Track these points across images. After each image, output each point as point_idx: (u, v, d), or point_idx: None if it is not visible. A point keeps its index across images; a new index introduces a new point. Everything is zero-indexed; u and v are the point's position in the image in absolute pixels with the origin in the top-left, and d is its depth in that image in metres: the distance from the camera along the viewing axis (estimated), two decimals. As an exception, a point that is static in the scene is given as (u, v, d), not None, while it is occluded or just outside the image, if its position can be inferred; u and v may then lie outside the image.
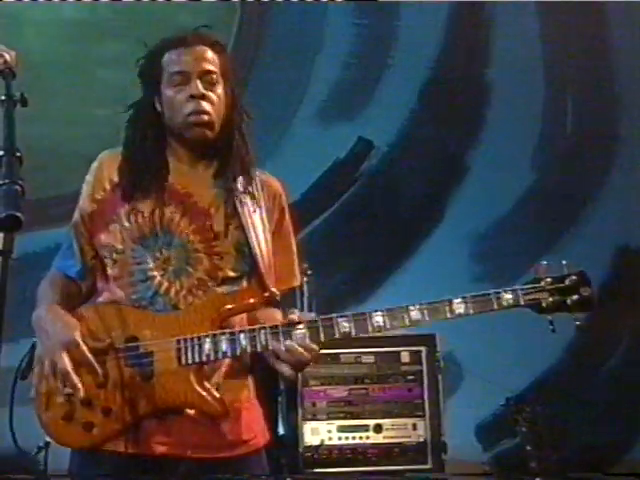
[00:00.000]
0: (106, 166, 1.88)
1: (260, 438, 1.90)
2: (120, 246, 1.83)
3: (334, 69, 4.65)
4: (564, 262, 1.78)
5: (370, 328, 1.74)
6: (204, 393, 1.73)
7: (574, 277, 1.75)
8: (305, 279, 3.57)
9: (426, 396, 3.22)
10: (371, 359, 3.24)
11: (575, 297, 1.73)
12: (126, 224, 1.83)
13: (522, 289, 1.74)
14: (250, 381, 1.91)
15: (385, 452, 3.15)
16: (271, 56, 4.54)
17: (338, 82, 4.65)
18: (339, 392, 3.21)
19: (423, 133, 4.67)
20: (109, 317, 1.77)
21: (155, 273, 1.81)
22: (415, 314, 1.73)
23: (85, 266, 1.88)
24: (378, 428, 3.17)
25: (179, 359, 1.73)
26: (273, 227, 1.90)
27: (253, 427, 1.89)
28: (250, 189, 1.88)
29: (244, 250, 1.85)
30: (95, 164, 1.90)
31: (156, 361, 1.73)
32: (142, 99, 1.89)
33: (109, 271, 1.84)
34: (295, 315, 1.78)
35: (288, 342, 1.73)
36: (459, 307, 1.71)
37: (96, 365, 1.72)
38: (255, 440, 1.88)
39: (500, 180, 4.63)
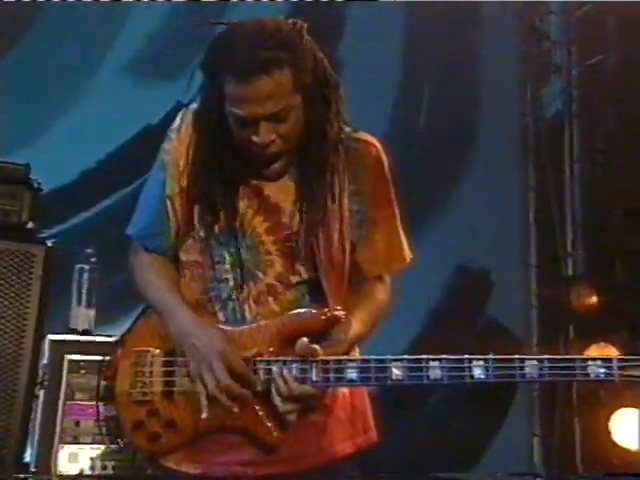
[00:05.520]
0: (187, 128, 1.96)
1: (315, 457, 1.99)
2: (202, 234, 1.96)
3: (157, 19, 4.53)
4: None
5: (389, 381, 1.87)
6: (258, 419, 1.91)
7: None
8: (86, 267, 3.46)
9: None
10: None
11: None
12: (205, 213, 1.95)
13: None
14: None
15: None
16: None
17: (160, 34, 4.54)
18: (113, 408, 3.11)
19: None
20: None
21: (229, 276, 1.96)
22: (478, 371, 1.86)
23: (174, 245, 2.01)
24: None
25: None
26: (363, 203, 1.99)
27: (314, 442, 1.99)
28: (328, 173, 1.94)
29: (315, 248, 1.95)
30: (178, 123, 1.99)
31: None
32: (207, 96, 1.93)
33: (188, 256, 1.98)
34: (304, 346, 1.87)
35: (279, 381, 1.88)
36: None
37: (250, 373, 1.89)
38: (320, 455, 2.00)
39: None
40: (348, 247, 1.99)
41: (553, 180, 5.19)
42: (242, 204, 1.95)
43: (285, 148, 1.90)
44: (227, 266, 1.96)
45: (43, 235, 3.22)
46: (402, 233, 2.07)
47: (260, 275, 1.95)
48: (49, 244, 3.12)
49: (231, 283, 1.96)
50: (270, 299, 1.95)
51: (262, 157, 1.90)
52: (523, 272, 5.22)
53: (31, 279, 3.02)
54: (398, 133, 5.05)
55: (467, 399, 4.82)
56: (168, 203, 1.98)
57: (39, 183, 3.28)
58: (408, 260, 2.08)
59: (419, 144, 5.12)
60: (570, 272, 5.14)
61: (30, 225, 3.19)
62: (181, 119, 2.00)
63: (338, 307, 1.90)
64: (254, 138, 1.85)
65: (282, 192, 1.97)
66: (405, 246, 2.08)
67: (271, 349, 1.89)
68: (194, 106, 1.98)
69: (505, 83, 5.28)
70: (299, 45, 1.86)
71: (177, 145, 1.98)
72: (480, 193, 5.03)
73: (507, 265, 5.13)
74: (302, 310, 1.93)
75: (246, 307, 1.96)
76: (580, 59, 5.25)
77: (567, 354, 5.06)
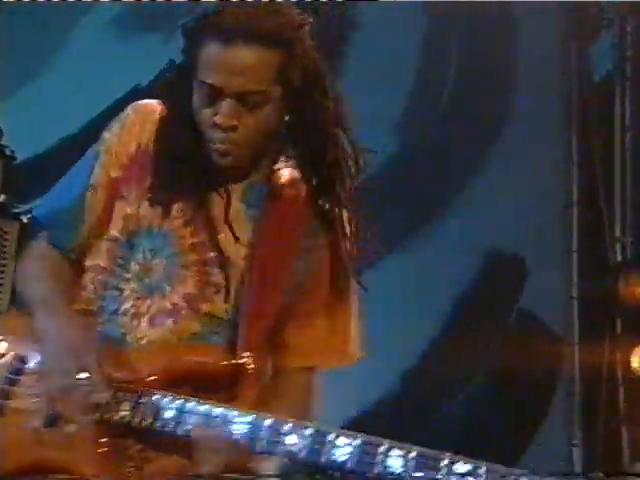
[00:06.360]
0: (140, 120, 1.95)
1: None
2: (115, 232, 1.92)
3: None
4: None
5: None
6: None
7: None
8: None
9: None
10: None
11: None
12: (129, 209, 1.92)
13: None
14: None
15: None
16: None
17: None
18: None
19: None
20: None
21: (127, 286, 1.90)
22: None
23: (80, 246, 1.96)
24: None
25: None
26: (310, 265, 1.93)
27: None
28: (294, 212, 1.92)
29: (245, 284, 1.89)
30: (129, 113, 1.98)
31: None
32: (181, 64, 1.92)
33: (93, 260, 1.94)
34: None
35: None
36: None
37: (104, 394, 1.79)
38: None
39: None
40: (280, 298, 1.92)
41: (600, 153, 5.16)
42: (176, 206, 1.91)
43: (241, 149, 1.87)
44: (128, 274, 1.91)
45: (17, 210, 3.24)
46: (355, 321, 1.97)
47: (167, 288, 1.89)
48: (24, 220, 3.13)
49: (126, 293, 1.90)
50: (170, 322, 1.88)
51: (217, 148, 1.86)
52: (563, 259, 5.17)
53: (4, 259, 3.07)
54: (423, 99, 5.01)
55: (495, 406, 4.83)
56: (89, 193, 1.95)
57: (11, 151, 3.30)
58: (356, 358, 1.99)
59: (446, 112, 5.09)
60: (618, 259, 5.11)
61: (1, 199, 3.23)
62: (132, 109, 1.99)
63: (247, 354, 1.84)
64: (215, 119, 1.82)
65: (229, 210, 1.92)
66: (356, 338, 1.98)
67: (152, 378, 1.81)
68: (159, 85, 2.01)
69: (545, 40, 5.19)
70: (299, 39, 1.86)
71: (120, 131, 1.96)
72: (515, 168, 4.97)
73: (545, 251, 5.09)
74: (204, 345, 1.87)
75: (134, 325, 1.89)
76: (635, 11, 5.17)
77: (613, 353, 5.06)
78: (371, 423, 4.61)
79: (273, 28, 1.81)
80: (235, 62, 1.80)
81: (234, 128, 1.82)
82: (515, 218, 4.91)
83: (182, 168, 1.90)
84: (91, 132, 4.28)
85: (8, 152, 3.27)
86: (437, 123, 5.03)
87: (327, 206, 1.92)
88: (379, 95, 4.74)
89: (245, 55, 1.80)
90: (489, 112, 5.12)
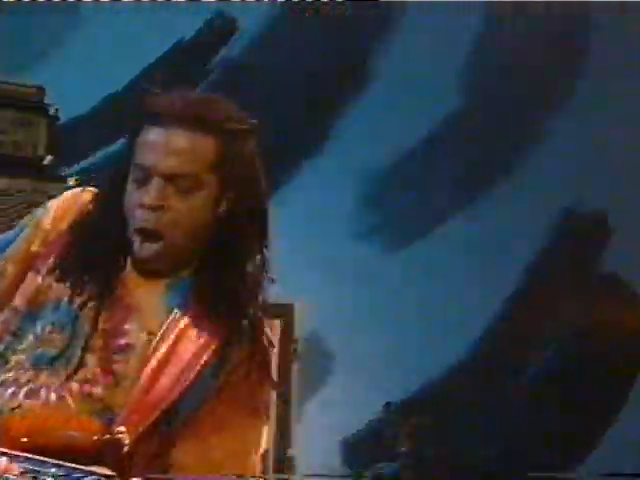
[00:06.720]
0: (77, 205, 1.99)
1: None
2: (18, 303, 1.93)
3: None
4: None
5: None
6: None
7: None
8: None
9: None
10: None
11: None
12: (40, 279, 1.94)
13: None
14: None
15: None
16: None
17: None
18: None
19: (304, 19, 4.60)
20: None
21: (15, 357, 1.90)
22: None
23: None
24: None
25: None
26: (219, 372, 1.89)
27: None
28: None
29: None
30: (66, 196, 2.02)
31: None
32: (121, 154, 1.98)
33: None
34: None
35: None
36: None
37: None
38: None
39: (410, 102, 4.64)
40: (175, 403, 1.86)
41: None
42: (89, 288, 1.91)
43: (166, 233, 1.86)
44: (22, 346, 1.91)
45: (63, 173, 3.27)
46: (258, 448, 1.92)
47: (61, 366, 1.88)
48: (70, 182, 3.12)
49: (10, 364, 1.90)
50: (53, 397, 1.86)
51: (140, 225, 1.86)
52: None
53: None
54: (483, 39, 4.92)
55: (570, 392, 4.77)
56: (0, 264, 1.97)
57: (56, 110, 3.29)
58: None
59: (511, 59, 4.99)
60: None
61: (47, 160, 3.24)
62: (71, 193, 2.01)
63: (122, 429, 1.80)
64: (143, 199, 1.85)
65: (147, 299, 1.93)
66: (254, 469, 1.91)
67: (24, 439, 1.80)
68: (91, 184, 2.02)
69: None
70: (239, 133, 1.90)
71: (54, 211, 1.98)
72: (598, 119, 4.91)
73: (629, 205, 4.96)
74: (84, 419, 1.84)
75: (9, 394, 1.88)
76: None
77: None
78: (445, 387, 4.62)
79: (213, 116, 1.88)
80: (169, 144, 1.85)
81: (161, 208, 1.84)
82: (596, 171, 4.84)
83: (105, 252, 1.92)
84: (138, 90, 4.35)
85: (52, 111, 3.27)
86: (523, 72, 4.95)
87: (245, 322, 1.89)
88: (441, 54, 4.77)
89: (179, 139, 1.85)
90: (563, 63, 5.04)
